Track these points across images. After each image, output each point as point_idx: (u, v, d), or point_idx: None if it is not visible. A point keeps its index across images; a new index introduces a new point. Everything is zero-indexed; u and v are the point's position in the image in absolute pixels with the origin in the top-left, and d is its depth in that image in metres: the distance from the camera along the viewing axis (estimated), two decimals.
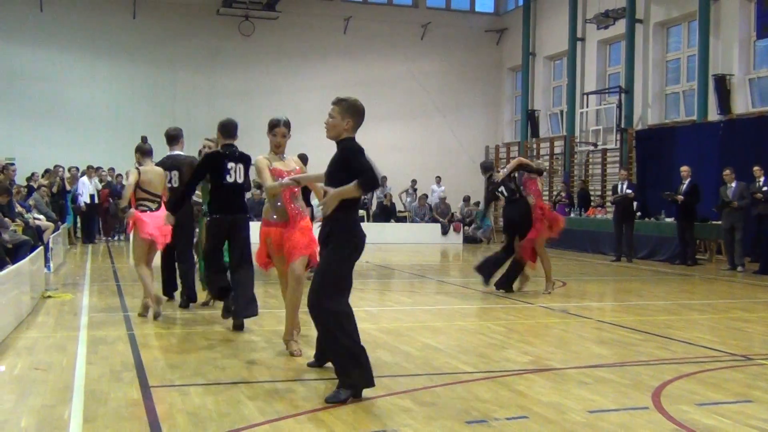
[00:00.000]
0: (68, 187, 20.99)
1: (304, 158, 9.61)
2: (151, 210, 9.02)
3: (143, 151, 9.31)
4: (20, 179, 19.98)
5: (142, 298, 9.15)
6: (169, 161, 9.62)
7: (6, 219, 11.96)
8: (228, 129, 8.22)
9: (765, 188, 15.32)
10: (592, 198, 23.63)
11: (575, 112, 25.13)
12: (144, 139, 9.59)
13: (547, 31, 27.23)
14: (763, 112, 18.64)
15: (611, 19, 22.91)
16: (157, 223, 8.83)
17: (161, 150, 9.80)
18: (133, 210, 8.97)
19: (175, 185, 9.39)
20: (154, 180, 9.17)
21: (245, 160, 8.27)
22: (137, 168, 9.14)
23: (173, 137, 9.76)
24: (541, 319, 9.61)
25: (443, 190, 26.27)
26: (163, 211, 8.89)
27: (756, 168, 15.55)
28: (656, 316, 9.77)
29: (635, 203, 18.24)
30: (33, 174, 20.91)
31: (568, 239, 16.28)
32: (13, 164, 15.78)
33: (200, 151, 9.96)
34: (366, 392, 5.52)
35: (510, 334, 8.28)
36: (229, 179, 8.11)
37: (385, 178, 24.68)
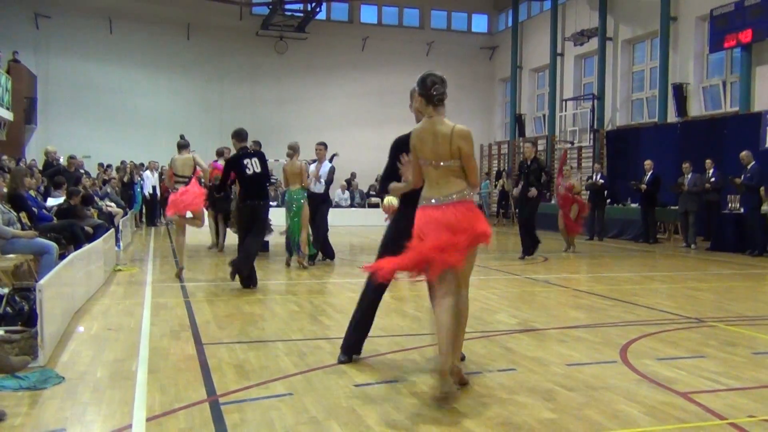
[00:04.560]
0: (136, 179, 21.08)
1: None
2: (176, 190, 9.85)
3: (178, 145, 10.19)
4: (95, 173, 20.14)
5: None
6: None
7: (89, 209, 12.05)
8: (240, 135, 9.05)
9: (713, 179, 15.25)
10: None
11: (555, 116, 24.97)
12: (181, 136, 10.32)
13: (532, 47, 27.03)
14: (714, 115, 18.45)
15: (586, 37, 22.77)
16: (180, 199, 9.58)
17: (208, 145, 10.08)
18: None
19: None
20: (181, 166, 9.98)
21: (258, 154, 9.08)
22: (172, 158, 10.15)
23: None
24: (527, 288, 9.59)
25: None
26: (185, 189, 9.67)
27: (708, 161, 15.47)
28: (623, 286, 9.72)
29: (606, 191, 18.14)
30: (106, 168, 21.02)
31: (550, 222, 16.22)
32: (74, 157, 16.03)
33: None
34: (382, 348, 5.53)
35: (501, 301, 8.28)
36: (249, 172, 8.87)
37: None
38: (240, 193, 9.19)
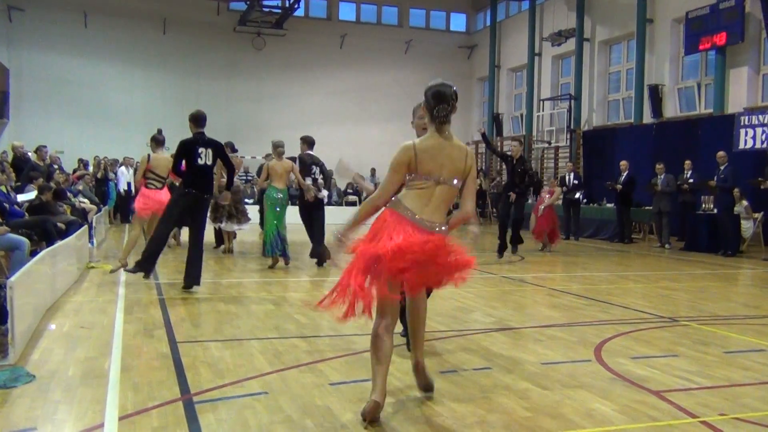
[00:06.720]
0: (110, 175, 20.82)
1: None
2: (156, 188, 9.63)
3: (157, 141, 9.75)
4: (69, 168, 19.85)
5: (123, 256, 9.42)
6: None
7: (62, 205, 11.89)
8: (198, 119, 8.44)
9: (690, 180, 15.42)
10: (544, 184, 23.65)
11: (533, 115, 25.12)
12: (159, 131, 9.88)
13: (510, 47, 27.15)
14: (689, 116, 18.67)
15: (563, 37, 22.91)
16: (158, 199, 9.38)
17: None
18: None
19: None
20: (161, 165, 9.62)
21: (213, 145, 8.46)
22: (149, 154, 9.70)
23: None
24: (503, 287, 9.63)
25: None
26: (164, 192, 9.50)
27: (687, 162, 15.62)
28: (598, 285, 9.80)
29: (581, 192, 18.27)
30: (81, 163, 20.73)
31: (525, 222, 16.33)
32: (45, 147, 15.79)
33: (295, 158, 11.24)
34: (357, 347, 5.52)
35: (477, 300, 8.30)
36: (200, 161, 8.32)
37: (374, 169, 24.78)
38: (184, 179, 8.43)
